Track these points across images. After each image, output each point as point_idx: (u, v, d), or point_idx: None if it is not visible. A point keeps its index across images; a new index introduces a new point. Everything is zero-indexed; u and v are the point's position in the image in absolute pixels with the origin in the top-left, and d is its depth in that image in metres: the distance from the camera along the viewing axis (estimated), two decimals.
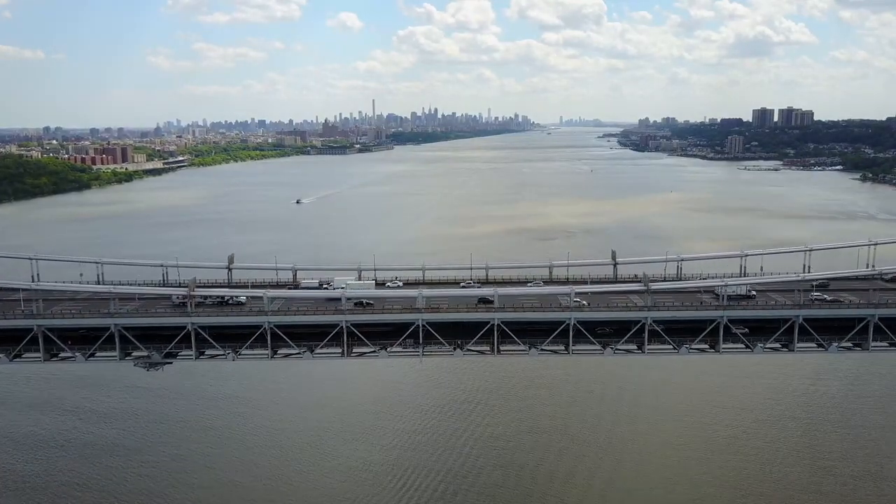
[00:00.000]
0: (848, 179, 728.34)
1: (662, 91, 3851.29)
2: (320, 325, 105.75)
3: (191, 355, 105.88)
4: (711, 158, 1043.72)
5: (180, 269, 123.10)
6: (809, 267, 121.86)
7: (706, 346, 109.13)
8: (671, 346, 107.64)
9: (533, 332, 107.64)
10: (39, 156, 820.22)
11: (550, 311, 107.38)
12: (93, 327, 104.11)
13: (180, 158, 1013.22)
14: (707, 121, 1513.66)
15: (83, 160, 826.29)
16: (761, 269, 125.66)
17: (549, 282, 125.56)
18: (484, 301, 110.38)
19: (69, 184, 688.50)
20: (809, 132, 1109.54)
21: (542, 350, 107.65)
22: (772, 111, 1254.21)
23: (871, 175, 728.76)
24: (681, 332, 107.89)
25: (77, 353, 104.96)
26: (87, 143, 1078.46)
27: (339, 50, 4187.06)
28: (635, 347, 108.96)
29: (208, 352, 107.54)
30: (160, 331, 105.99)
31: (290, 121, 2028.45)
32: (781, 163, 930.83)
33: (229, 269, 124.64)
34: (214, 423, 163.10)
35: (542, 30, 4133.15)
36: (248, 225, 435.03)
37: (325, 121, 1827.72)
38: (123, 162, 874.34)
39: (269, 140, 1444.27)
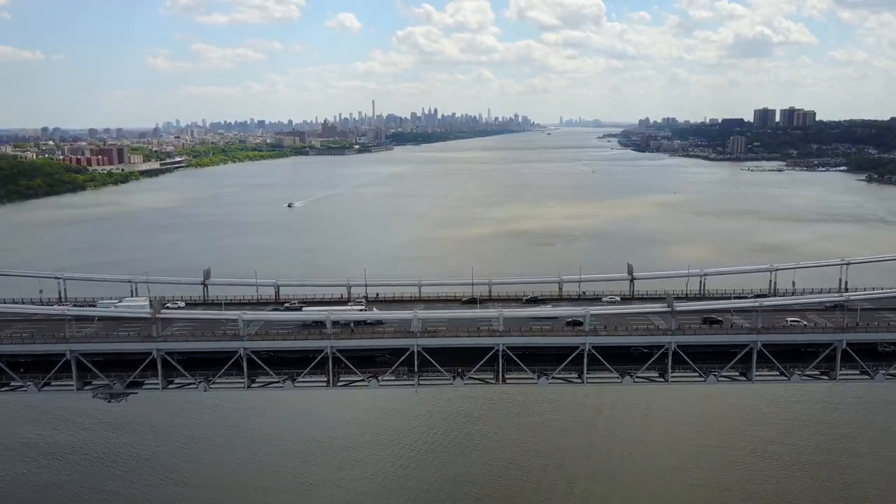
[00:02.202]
0: (853, 180, 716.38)
1: (662, 91, 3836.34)
2: (303, 351, 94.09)
3: (157, 385, 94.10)
4: (713, 159, 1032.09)
5: (150, 285, 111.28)
6: (846, 283, 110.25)
7: (737, 374, 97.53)
8: (697, 374, 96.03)
9: (543, 358, 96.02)
10: (35, 157, 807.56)
11: (563, 334, 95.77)
12: (46, 354, 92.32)
13: (178, 159, 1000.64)
14: (708, 121, 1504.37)
15: (79, 161, 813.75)
16: (793, 284, 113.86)
17: (560, 299, 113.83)
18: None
19: (64, 185, 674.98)
20: (812, 132, 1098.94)
21: (552, 379, 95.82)
22: (773, 111, 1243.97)
23: (876, 176, 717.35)
24: (708, 358, 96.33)
25: (29, 383, 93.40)
26: (83, 143, 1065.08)
27: (338, 50, 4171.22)
28: (657, 375, 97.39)
29: (178, 380, 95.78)
30: (123, 357, 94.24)
31: (290, 121, 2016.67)
32: (784, 163, 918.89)
33: (205, 285, 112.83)
34: (183, 459, 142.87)
35: (542, 30, 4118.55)
36: (235, 230, 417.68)
37: (325, 121, 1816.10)
38: (120, 163, 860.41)
39: (268, 140, 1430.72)
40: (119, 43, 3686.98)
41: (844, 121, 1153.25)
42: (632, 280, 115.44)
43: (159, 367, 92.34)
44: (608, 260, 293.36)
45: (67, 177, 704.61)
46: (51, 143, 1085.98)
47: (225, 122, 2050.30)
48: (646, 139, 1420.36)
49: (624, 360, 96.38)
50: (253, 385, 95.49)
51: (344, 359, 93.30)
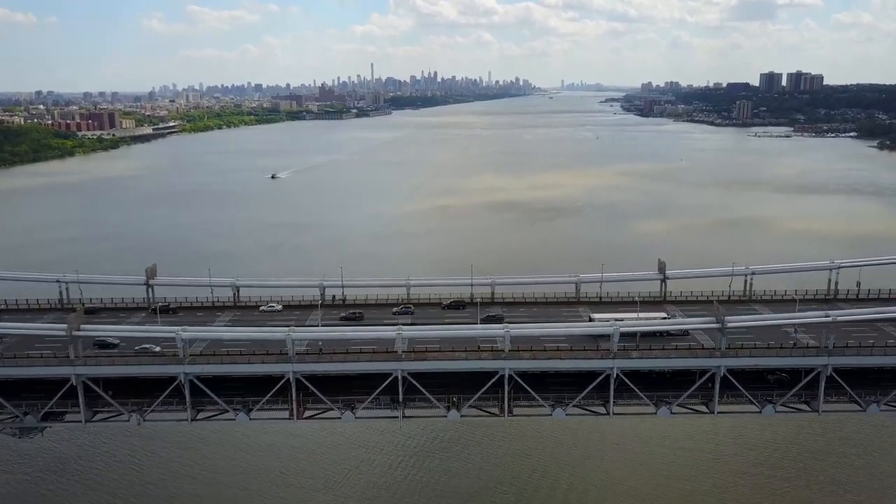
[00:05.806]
0: (864, 147, 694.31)
1: (664, 55, 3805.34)
2: (259, 376, 75.67)
3: (79, 417, 75.69)
4: (719, 125, 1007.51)
5: (82, 286, 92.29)
6: None
7: (798, 401, 79.21)
8: (751, 402, 77.62)
9: (558, 383, 77.72)
10: (22, 121, 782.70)
11: (584, 357, 77.12)
12: None
13: (171, 124, 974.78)
14: (712, 85, 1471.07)
15: (68, 126, 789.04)
16: (858, 285, 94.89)
17: (577, 303, 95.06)
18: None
19: (51, 151, 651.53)
20: (819, 97, 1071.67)
21: (571, 409, 77.50)
22: (779, 75, 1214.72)
23: (888, 142, 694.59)
24: (763, 382, 78.05)
25: None
26: (74, 108, 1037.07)
27: (336, 13, 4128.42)
28: (700, 402, 78.98)
29: (106, 409, 77.42)
30: (37, 383, 75.83)
31: (288, 85, 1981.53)
32: (792, 129, 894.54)
33: (148, 286, 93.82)
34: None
35: None
36: (205, 204, 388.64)
37: (322, 85, 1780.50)
38: (111, 128, 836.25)
39: (265, 105, 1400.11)
40: (111, 5, 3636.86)
41: (853, 85, 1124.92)
42: (663, 280, 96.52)
43: (81, 395, 74.26)
44: (611, 235, 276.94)
45: (55, 142, 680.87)
46: (41, 107, 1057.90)
47: (222, 85, 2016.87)
48: (649, 104, 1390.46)
49: (658, 384, 78.07)
50: (198, 417, 77.22)
51: (311, 386, 74.94)
